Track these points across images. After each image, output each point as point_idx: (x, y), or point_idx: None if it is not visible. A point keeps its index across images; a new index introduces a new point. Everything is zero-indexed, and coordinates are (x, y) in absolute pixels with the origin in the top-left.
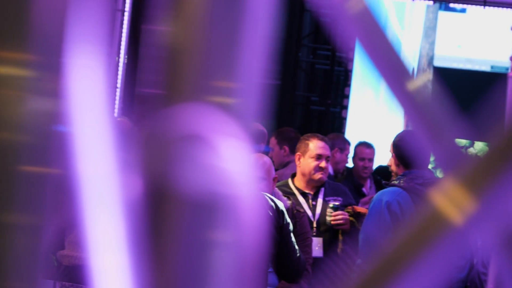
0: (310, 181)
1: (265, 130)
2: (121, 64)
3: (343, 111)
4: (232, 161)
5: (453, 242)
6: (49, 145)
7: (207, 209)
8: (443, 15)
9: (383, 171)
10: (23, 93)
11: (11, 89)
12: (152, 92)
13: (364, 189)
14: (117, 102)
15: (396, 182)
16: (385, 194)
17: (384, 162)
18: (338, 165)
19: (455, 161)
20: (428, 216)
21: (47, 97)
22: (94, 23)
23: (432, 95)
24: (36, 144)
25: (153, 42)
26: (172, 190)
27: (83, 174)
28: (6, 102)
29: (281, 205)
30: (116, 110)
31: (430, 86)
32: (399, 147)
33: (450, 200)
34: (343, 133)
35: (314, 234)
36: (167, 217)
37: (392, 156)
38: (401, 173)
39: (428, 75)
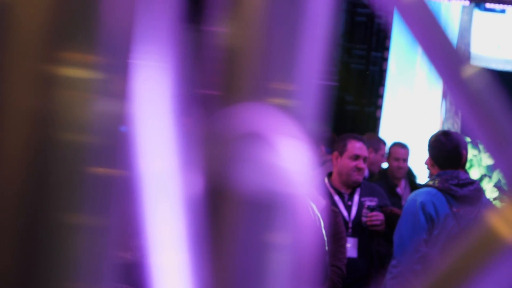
0: (346, 181)
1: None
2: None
3: (378, 111)
4: (290, 161)
5: (508, 262)
6: (115, 146)
7: (266, 208)
8: (481, 15)
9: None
10: (91, 95)
11: (78, 91)
12: (211, 93)
13: (398, 190)
14: (179, 102)
15: (430, 183)
16: (419, 194)
17: (419, 163)
18: (373, 165)
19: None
20: (483, 236)
21: (114, 98)
22: (160, 25)
23: (485, 86)
24: (103, 146)
25: (212, 43)
26: (231, 189)
27: (145, 174)
28: (74, 104)
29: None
30: (178, 111)
31: (481, 78)
32: (434, 147)
33: (505, 219)
34: (378, 133)
35: (349, 234)
36: (226, 216)
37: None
38: (436, 174)
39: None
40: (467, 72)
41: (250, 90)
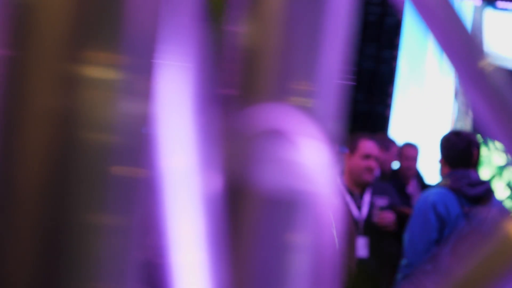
0: (357, 181)
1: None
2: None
3: (388, 110)
4: (310, 160)
5: None
6: (138, 146)
7: (286, 207)
8: (494, 15)
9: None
10: (114, 94)
11: (102, 90)
12: (232, 92)
13: (409, 189)
14: (200, 102)
15: (442, 182)
16: (430, 194)
17: (429, 162)
18: (384, 165)
19: None
20: (499, 243)
21: (138, 98)
22: (183, 25)
23: (503, 82)
24: (126, 145)
25: (233, 43)
26: (251, 188)
27: (166, 173)
28: (97, 103)
29: None
30: (200, 110)
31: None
32: (445, 147)
33: None
34: (388, 132)
35: (360, 233)
36: (246, 215)
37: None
38: (447, 173)
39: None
40: (486, 66)
41: (270, 89)
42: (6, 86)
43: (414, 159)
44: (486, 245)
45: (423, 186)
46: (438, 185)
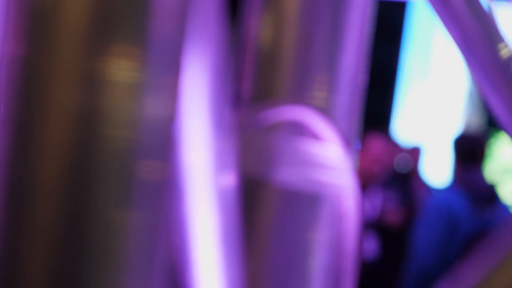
0: (367, 179)
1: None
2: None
3: (395, 109)
4: (329, 156)
5: None
6: (163, 143)
7: (305, 203)
8: (506, 10)
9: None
10: (139, 91)
11: (126, 87)
12: (251, 90)
13: (417, 189)
14: (220, 99)
15: (453, 184)
16: (439, 194)
17: (438, 162)
18: (389, 164)
19: None
20: None
21: (162, 95)
22: (205, 24)
23: None
24: (150, 143)
25: (252, 41)
26: (269, 184)
27: (185, 169)
28: (121, 100)
29: None
30: (220, 107)
31: None
32: (455, 147)
33: None
34: (393, 133)
35: (370, 232)
36: (262, 210)
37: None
38: (456, 174)
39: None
40: (506, 54)
41: (289, 87)
42: (27, 83)
43: (420, 160)
44: (500, 249)
45: (431, 187)
46: (449, 186)
